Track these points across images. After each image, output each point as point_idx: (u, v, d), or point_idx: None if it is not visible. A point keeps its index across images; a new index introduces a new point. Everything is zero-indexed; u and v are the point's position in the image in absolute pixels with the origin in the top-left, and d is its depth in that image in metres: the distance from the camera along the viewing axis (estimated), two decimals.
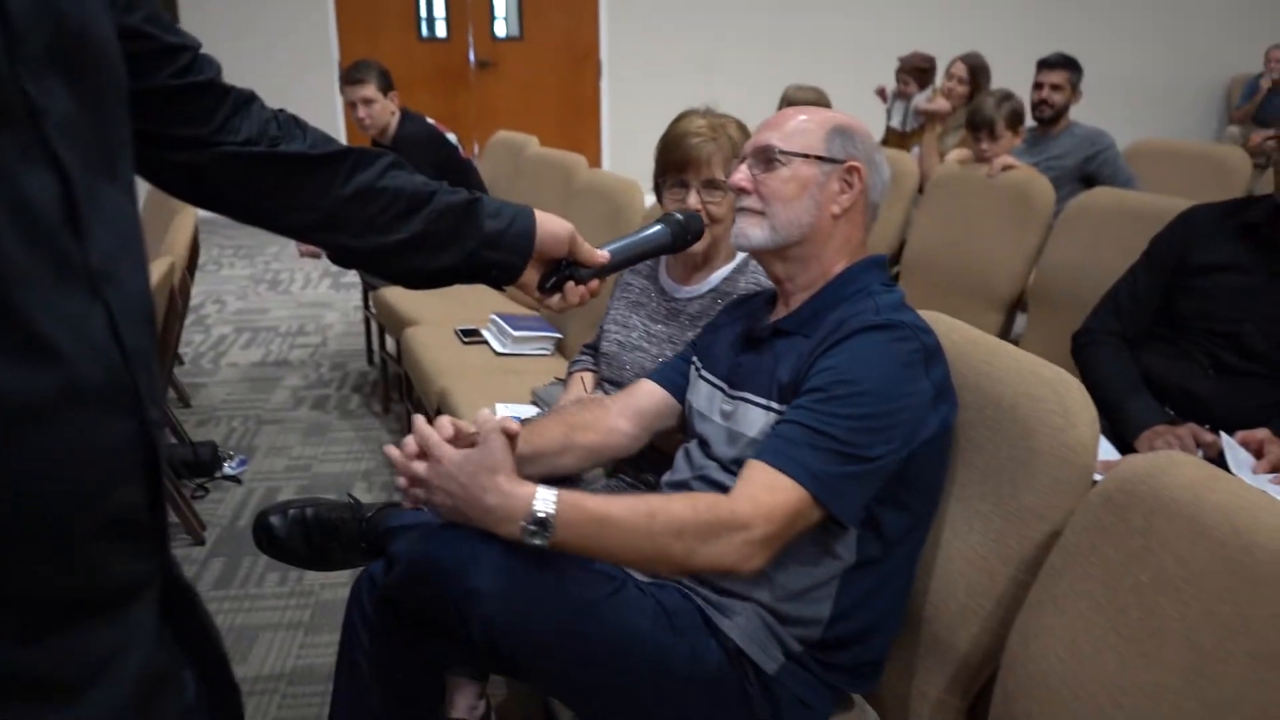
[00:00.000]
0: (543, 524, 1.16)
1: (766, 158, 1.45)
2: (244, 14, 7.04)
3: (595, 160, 7.64)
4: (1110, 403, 2.07)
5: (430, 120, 3.84)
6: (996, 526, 1.34)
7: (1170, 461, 1.10)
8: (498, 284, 1.21)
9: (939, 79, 4.69)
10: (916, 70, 4.57)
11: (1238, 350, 1.99)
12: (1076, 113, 4.08)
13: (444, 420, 1.27)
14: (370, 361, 4.24)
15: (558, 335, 2.98)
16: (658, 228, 1.41)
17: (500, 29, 7.45)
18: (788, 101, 4.26)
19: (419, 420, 1.26)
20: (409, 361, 3.09)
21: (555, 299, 1.25)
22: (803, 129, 1.46)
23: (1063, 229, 2.86)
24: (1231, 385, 1.99)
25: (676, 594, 1.39)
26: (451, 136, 3.84)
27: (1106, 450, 2.01)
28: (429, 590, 1.29)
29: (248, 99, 0.99)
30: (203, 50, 0.94)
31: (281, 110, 1.04)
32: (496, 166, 4.09)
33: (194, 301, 5.19)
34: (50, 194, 0.61)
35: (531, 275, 1.22)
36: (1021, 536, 1.30)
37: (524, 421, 2.25)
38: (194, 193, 0.98)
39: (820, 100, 4.27)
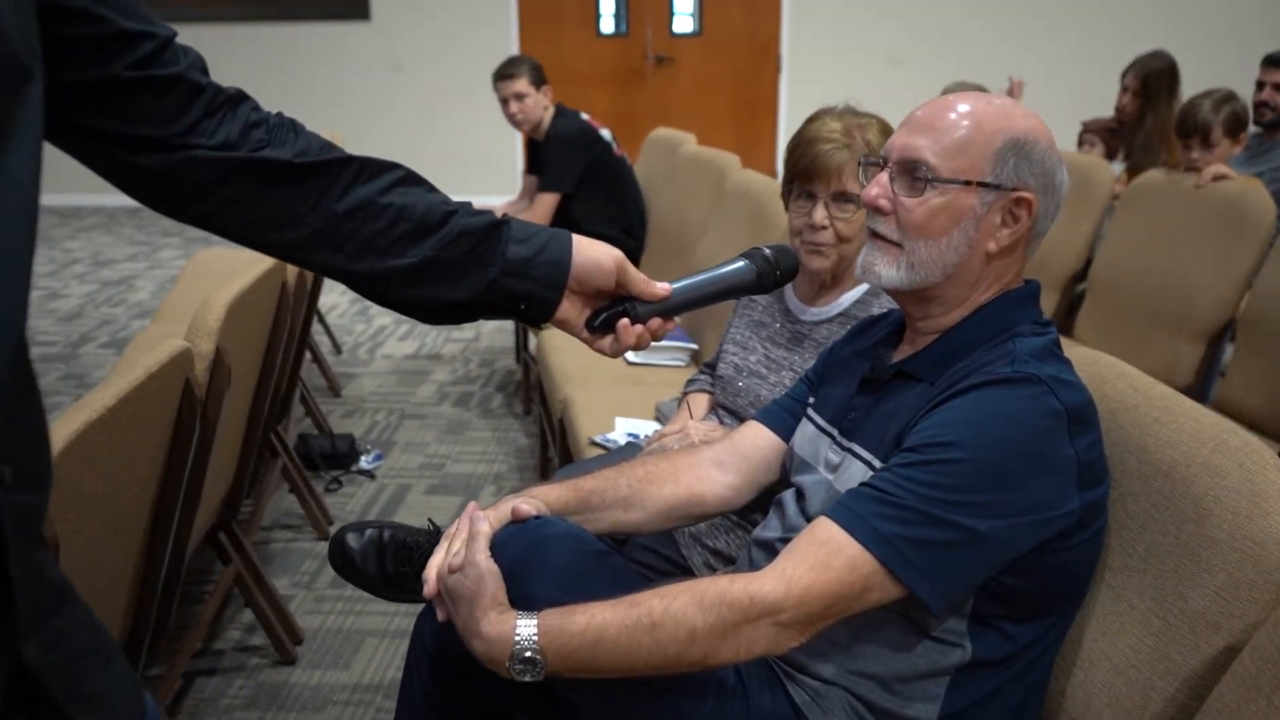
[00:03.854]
0: (530, 663, 1.05)
1: (914, 174, 1.16)
2: (430, 6, 7.20)
3: (770, 157, 7.40)
4: None
5: (585, 116, 3.74)
6: (1156, 630, 1.08)
7: None
8: (531, 320, 1.04)
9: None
10: (1104, 130, 4.11)
11: None
12: None
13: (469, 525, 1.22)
14: (518, 359, 4.19)
15: (693, 346, 2.80)
16: (740, 264, 1.15)
17: (679, 25, 7.33)
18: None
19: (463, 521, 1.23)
20: (541, 365, 3.00)
21: (607, 341, 1.05)
22: (967, 143, 1.15)
23: None
24: None
25: None
26: (606, 133, 3.72)
27: None
28: None
29: (231, 99, 0.87)
30: (179, 39, 0.82)
31: (279, 114, 0.92)
32: (651, 165, 3.96)
33: None
34: None
35: (572, 311, 1.03)
36: (1187, 647, 1.03)
37: (632, 442, 2.11)
38: (166, 202, 0.87)
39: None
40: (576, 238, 1.03)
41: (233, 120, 0.86)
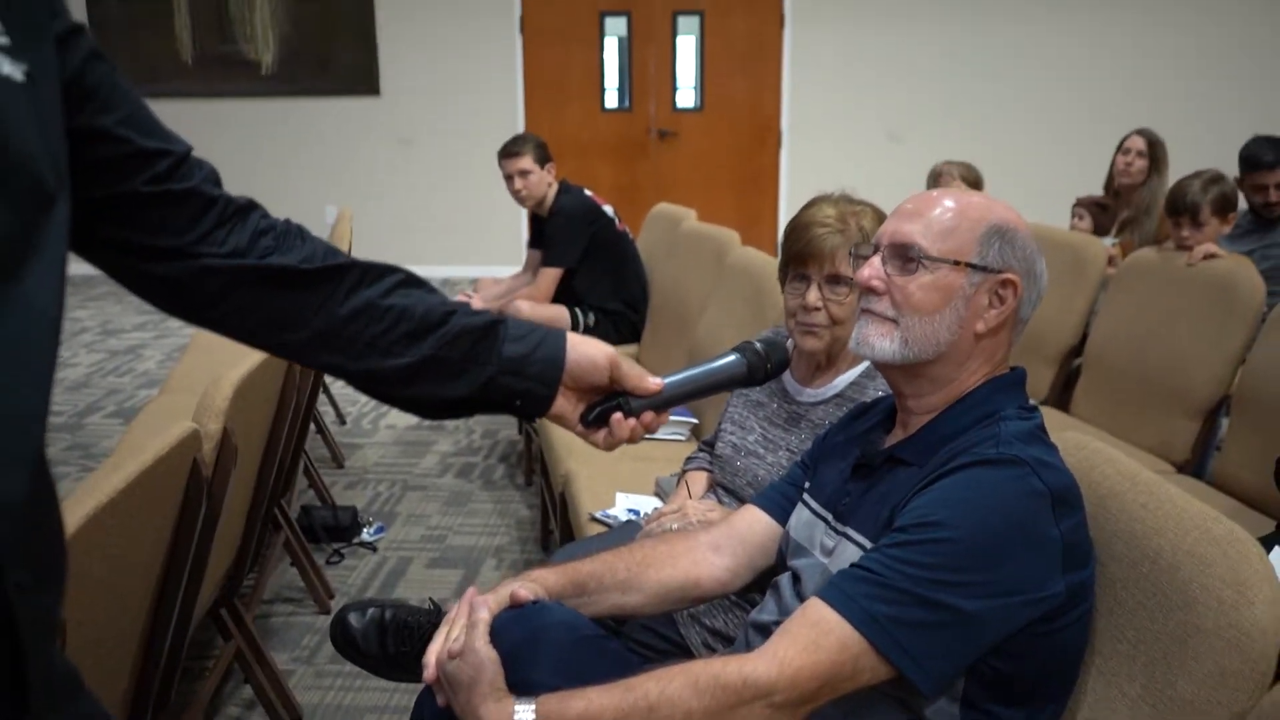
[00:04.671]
0: None
1: (905, 256, 1.23)
2: (438, 81, 7.37)
3: (771, 231, 7.50)
4: None
5: (588, 192, 3.82)
6: (1147, 717, 1.09)
7: None
8: (527, 415, 1.08)
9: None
10: (1094, 205, 4.18)
11: None
12: None
13: (470, 610, 1.24)
14: (520, 430, 4.21)
15: (694, 421, 2.83)
16: (732, 358, 1.19)
17: (682, 100, 7.48)
18: (935, 178, 3.95)
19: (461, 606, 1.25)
20: (543, 438, 3.02)
21: (601, 434, 1.08)
22: (953, 227, 1.22)
23: (1275, 328, 2.49)
24: None
25: None
26: (609, 209, 3.79)
27: None
28: None
29: (242, 208, 0.92)
30: (194, 153, 0.87)
31: (286, 220, 0.96)
32: (653, 240, 4.02)
33: None
34: None
35: (566, 406, 1.07)
36: None
37: (632, 519, 2.13)
38: (179, 307, 0.91)
39: (972, 179, 3.94)
40: (571, 335, 1.07)
41: (242, 229, 0.90)
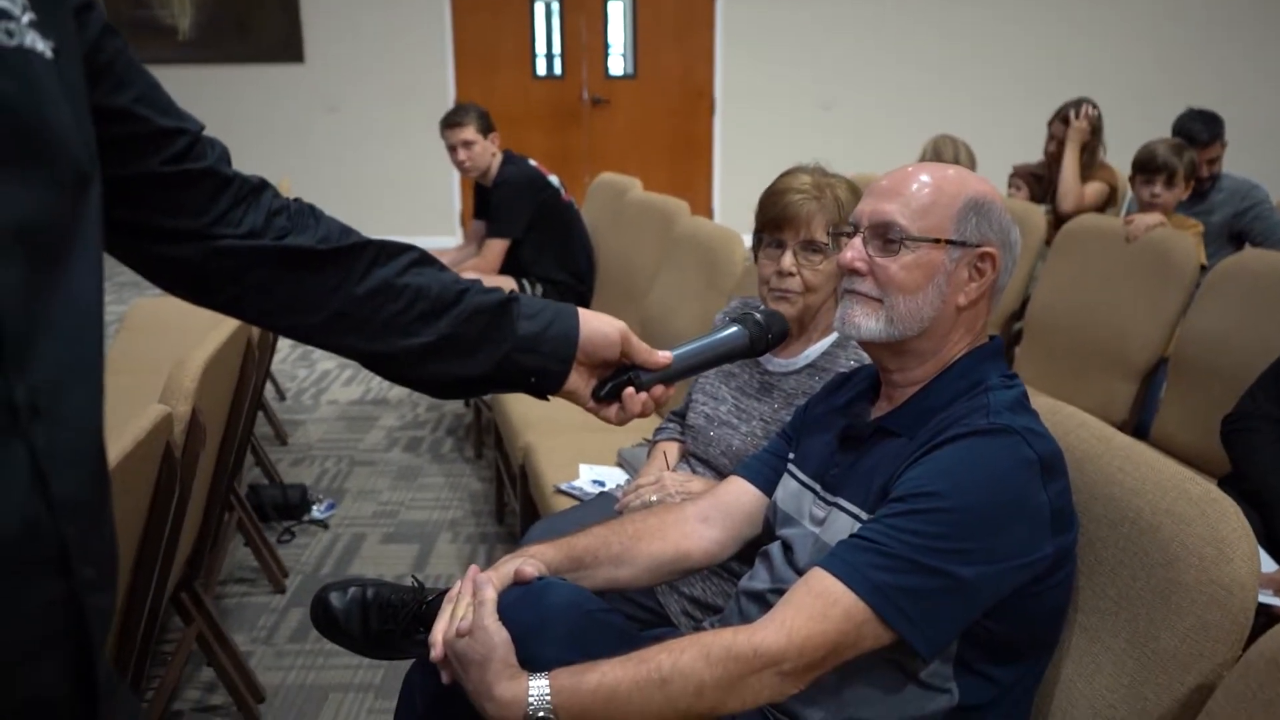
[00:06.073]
0: None
1: (886, 236, 1.24)
2: (365, 49, 7.19)
3: (705, 198, 7.53)
4: (1269, 503, 1.82)
5: (533, 162, 3.78)
6: (1130, 670, 1.14)
7: None
8: (539, 393, 1.07)
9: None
10: (1030, 175, 4.26)
11: None
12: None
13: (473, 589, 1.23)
14: (466, 403, 4.18)
15: None
16: (734, 329, 1.22)
17: (614, 67, 7.43)
18: (933, 154, 3.92)
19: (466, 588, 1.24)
20: (498, 410, 3.01)
21: (613, 409, 1.09)
22: (931, 204, 1.23)
23: (1208, 293, 2.59)
24: None
25: None
26: (554, 179, 3.77)
27: (1262, 560, 1.76)
28: None
29: (255, 188, 0.89)
30: (206, 132, 0.85)
31: (297, 200, 0.94)
32: (598, 209, 4.01)
33: None
34: None
35: (579, 382, 1.07)
36: (1161, 687, 1.10)
37: (604, 491, 2.14)
38: (192, 290, 0.89)
39: (967, 160, 3.90)
40: (582, 311, 1.07)
41: (256, 209, 0.88)
